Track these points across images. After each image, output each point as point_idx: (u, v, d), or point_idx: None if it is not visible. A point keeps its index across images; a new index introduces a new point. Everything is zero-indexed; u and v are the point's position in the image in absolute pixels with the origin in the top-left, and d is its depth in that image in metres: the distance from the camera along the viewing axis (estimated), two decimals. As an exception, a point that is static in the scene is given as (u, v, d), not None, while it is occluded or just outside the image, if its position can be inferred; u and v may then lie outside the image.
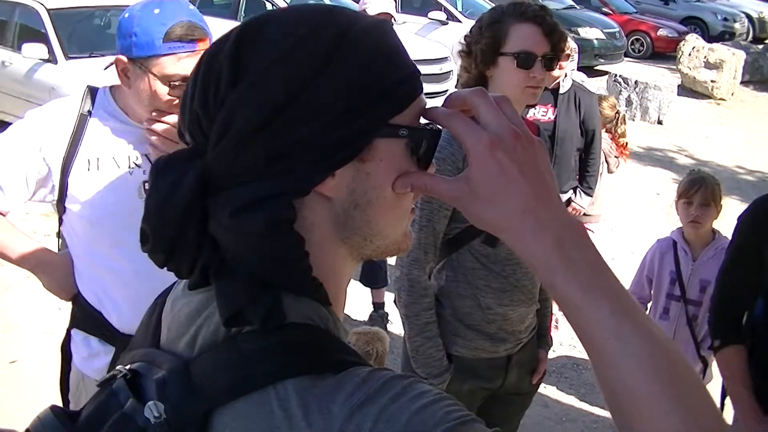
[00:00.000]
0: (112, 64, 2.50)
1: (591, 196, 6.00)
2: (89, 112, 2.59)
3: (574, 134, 5.68)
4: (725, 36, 23.77)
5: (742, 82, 18.16)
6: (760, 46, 21.61)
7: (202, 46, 2.38)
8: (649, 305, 4.53)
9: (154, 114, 2.46)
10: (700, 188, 4.23)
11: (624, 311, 0.95)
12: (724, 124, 15.31)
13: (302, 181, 0.98)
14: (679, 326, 4.29)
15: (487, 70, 2.92)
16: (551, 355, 3.47)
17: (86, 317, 2.73)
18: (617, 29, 19.94)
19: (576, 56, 6.25)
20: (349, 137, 0.98)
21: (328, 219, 1.03)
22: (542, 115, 5.56)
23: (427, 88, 10.48)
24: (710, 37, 22.05)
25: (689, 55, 17.19)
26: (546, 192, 0.99)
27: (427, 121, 1.07)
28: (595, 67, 18.18)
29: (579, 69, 14.57)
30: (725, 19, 25.20)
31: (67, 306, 2.82)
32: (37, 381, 5.12)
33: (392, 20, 6.07)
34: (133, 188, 2.56)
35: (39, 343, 5.73)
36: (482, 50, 2.89)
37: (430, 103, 1.04)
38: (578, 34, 17.94)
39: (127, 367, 1.04)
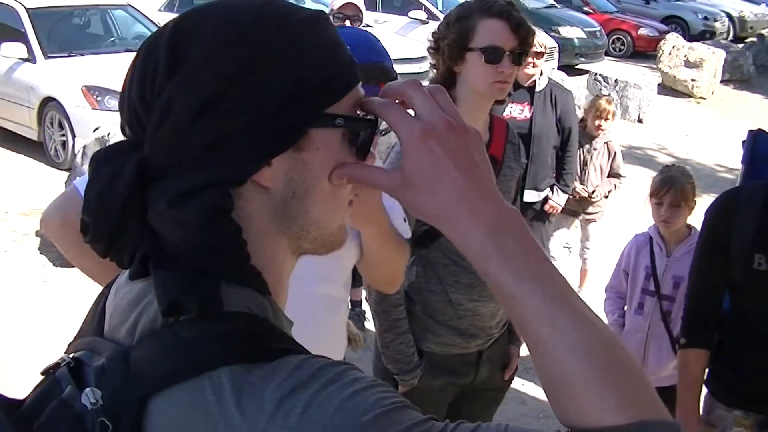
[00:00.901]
0: None
1: (568, 194, 6.03)
2: None
3: (550, 132, 5.71)
4: (706, 35, 23.86)
5: (722, 81, 18.25)
6: (740, 45, 21.73)
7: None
8: (626, 299, 4.56)
9: None
10: (669, 189, 4.25)
11: (557, 298, 0.95)
12: (703, 123, 15.38)
13: (238, 170, 0.99)
14: (653, 321, 4.31)
15: (455, 65, 2.92)
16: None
17: None
18: (598, 28, 20.00)
19: (556, 55, 6.33)
20: (283, 127, 0.99)
21: (266, 209, 1.03)
22: (518, 113, 5.59)
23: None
24: (691, 36, 22.12)
25: (669, 54, 17.27)
26: (480, 181, 0.99)
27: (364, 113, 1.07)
28: (576, 66, 18.20)
29: (559, 68, 14.61)
30: (706, 18, 25.30)
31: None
32: (15, 380, 5.10)
33: (360, 11, 6.07)
34: None
35: (17, 341, 5.71)
36: (449, 45, 2.89)
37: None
38: (559, 33, 17.98)
39: (71, 355, 1.05)
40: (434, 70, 3.03)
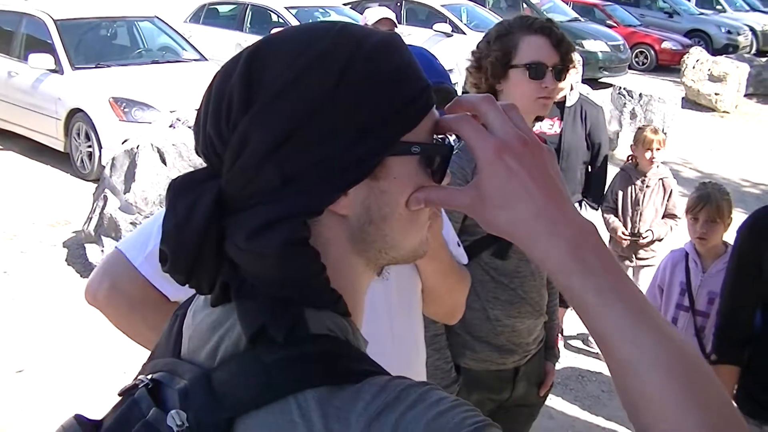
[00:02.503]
0: None
1: (596, 210, 6.01)
2: None
3: (580, 147, 5.70)
4: (729, 49, 23.80)
5: (745, 95, 18.19)
6: (764, 59, 21.63)
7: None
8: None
9: None
10: (705, 205, 4.26)
11: (639, 314, 0.94)
12: (728, 137, 15.32)
13: (315, 201, 0.99)
14: (686, 336, 4.31)
15: (497, 83, 2.94)
16: (555, 366, 3.49)
17: None
18: (621, 42, 19.99)
19: (581, 68, 6.26)
20: (360, 158, 0.99)
21: (343, 235, 1.04)
22: (548, 128, 5.58)
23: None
24: (714, 50, 22.09)
25: (693, 67, 17.22)
26: (558, 196, 0.99)
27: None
28: (600, 80, 18.22)
29: (583, 81, 14.56)
30: (729, 32, 25.25)
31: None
32: (43, 390, 5.13)
33: (394, 26, 6.08)
34: None
35: (45, 352, 5.74)
36: (492, 63, 2.90)
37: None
38: (582, 47, 17.97)
39: (149, 376, 1.05)
40: (474, 89, 3.02)
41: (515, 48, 2.89)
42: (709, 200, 4.27)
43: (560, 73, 2.93)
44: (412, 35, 15.68)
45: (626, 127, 14.01)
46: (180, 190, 1.02)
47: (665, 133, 14.37)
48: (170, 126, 7.65)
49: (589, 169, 5.85)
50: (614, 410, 5.56)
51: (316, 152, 0.97)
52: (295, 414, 0.92)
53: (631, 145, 6.18)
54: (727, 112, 17.01)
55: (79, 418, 1.07)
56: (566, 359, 6.01)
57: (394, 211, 1.05)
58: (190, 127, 7.44)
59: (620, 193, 6.00)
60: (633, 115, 14.48)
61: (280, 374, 0.95)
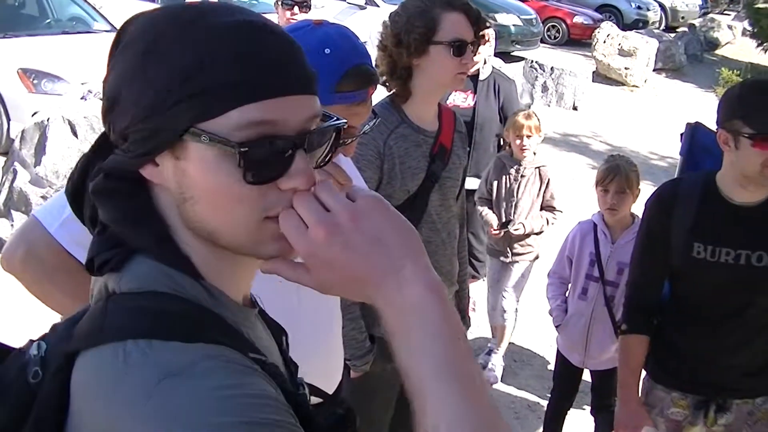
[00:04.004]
0: None
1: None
2: None
3: (493, 120, 5.75)
4: (639, 24, 24.19)
5: (654, 70, 18.53)
6: (672, 35, 22.07)
7: (372, 92, 2.11)
8: (569, 286, 4.66)
9: None
10: (615, 177, 4.35)
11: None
12: (637, 111, 15.61)
13: (130, 160, 1.10)
14: (596, 306, 4.43)
15: (416, 59, 2.97)
16: (468, 336, 3.55)
17: None
18: (534, 16, 20.15)
19: (493, 42, 6.29)
20: (156, 128, 1.06)
21: (173, 207, 1.13)
22: (462, 101, 5.63)
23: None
24: (624, 25, 22.40)
25: (604, 42, 17.48)
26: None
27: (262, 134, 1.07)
28: (512, 53, 18.35)
29: (496, 55, 14.67)
30: (639, 8, 25.64)
31: None
32: None
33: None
34: None
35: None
36: (416, 39, 2.93)
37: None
38: (495, 20, 18.05)
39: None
40: (391, 65, 3.03)
41: (437, 25, 2.93)
42: (618, 171, 4.36)
43: (476, 48, 3.00)
44: (325, 7, 15.63)
45: (538, 100, 14.24)
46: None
47: (576, 108, 14.63)
48: (81, 98, 7.52)
49: (502, 142, 5.92)
50: (525, 379, 5.69)
51: (128, 116, 1.08)
52: (119, 356, 1.00)
53: (504, 131, 5.59)
54: (637, 87, 17.31)
55: None
56: (478, 330, 6.09)
57: (201, 196, 1.08)
58: (102, 99, 7.33)
59: (495, 183, 5.51)
60: (545, 89, 14.69)
61: (113, 321, 1.05)
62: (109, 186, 1.12)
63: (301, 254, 1.08)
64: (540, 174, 5.47)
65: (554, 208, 5.51)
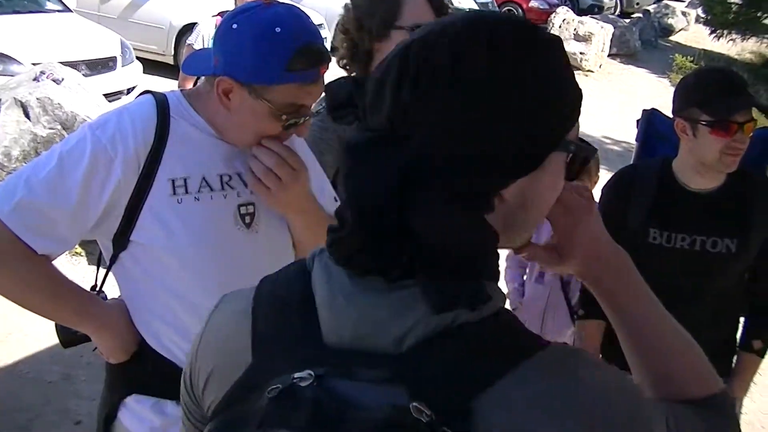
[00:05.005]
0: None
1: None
2: (167, 123, 2.10)
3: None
4: (594, 9, 24.34)
5: (609, 55, 18.70)
6: (627, 20, 22.25)
7: (324, 71, 2.06)
8: (527, 269, 4.68)
9: (264, 142, 2.12)
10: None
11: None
12: (591, 96, 15.71)
13: (500, 180, 1.02)
14: (553, 291, 4.44)
15: (378, 43, 2.94)
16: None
17: (162, 376, 2.16)
18: (490, 0, 20.20)
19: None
20: (542, 148, 1.04)
21: (500, 217, 1.05)
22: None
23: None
24: (580, 10, 22.55)
25: (559, 27, 17.58)
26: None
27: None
28: (469, 38, 18.34)
29: (453, 39, 14.66)
30: (594, -7, 25.81)
31: None
32: None
33: None
34: (230, 214, 2.15)
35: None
36: (378, 23, 2.89)
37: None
38: (452, 5, 18.09)
39: (302, 374, 0.97)
40: (352, 49, 2.99)
41: (399, 9, 2.90)
42: (577, 158, 4.39)
43: None
44: (282, -11, 15.50)
45: (495, 85, 14.22)
46: (363, 153, 1.01)
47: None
48: (34, 79, 7.41)
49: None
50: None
51: (508, 135, 0.99)
52: (535, 380, 0.96)
53: None
54: (592, 71, 17.45)
55: None
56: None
57: (541, 199, 1.10)
58: (55, 80, 7.24)
59: None
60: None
61: (499, 348, 0.99)
62: (484, 213, 1.01)
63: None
64: None
65: None
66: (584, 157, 1.12)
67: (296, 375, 0.96)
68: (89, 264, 6.26)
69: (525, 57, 1.01)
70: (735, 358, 3.23)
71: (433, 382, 0.95)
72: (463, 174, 0.98)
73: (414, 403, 0.91)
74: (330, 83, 1.15)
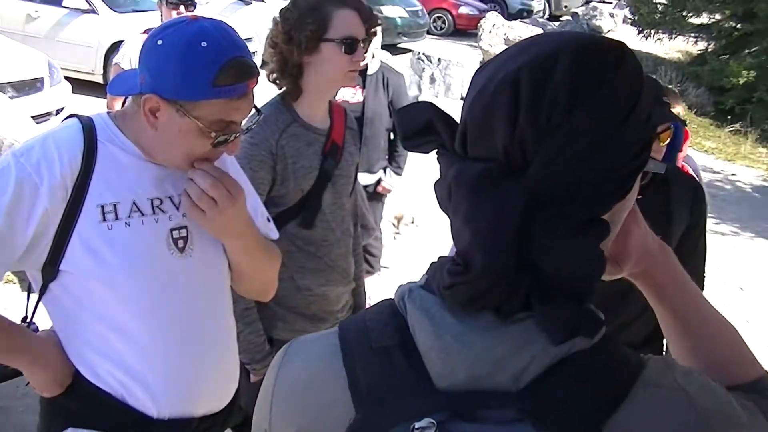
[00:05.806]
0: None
1: (400, 176, 6.08)
2: (94, 147, 2.04)
3: (383, 114, 5.73)
4: (523, 14, 24.57)
5: (539, 58, 18.83)
6: (556, 23, 22.50)
7: (253, 86, 2.03)
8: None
9: (197, 165, 2.07)
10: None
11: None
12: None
13: (612, 204, 1.02)
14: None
15: (307, 56, 2.93)
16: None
17: (98, 407, 2.12)
18: (420, 7, 20.24)
19: (380, 35, 6.30)
20: (640, 165, 1.03)
21: None
22: (351, 97, 5.60)
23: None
24: (509, 15, 22.73)
25: (490, 32, 17.68)
26: None
27: None
28: (398, 45, 18.41)
29: (382, 47, 14.74)
30: (523, -3, 26.05)
31: None
32: None
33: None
34: (162, 239, 2.11)
35: None
36: (307, 37, 2.88)
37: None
38: (381, 12, 18.03)
39: (427, 421, 0.96)
40: (281, 63, 2.98)
41: (329, 22, 2.90)
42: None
43: (367, 45, 2.99)
44: (210, 3, 15.43)
45: (426, 91, 14.35)
46: (478, 188, 0.97)
47: (464, 98, 14.77)
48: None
49: (392, 137, 5.93)
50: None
51: (623, 158, 1.00)
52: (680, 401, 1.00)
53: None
54: (523, 75, 17.57)
55: None
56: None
57: (620, 218, 1.11)
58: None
59: None
60: (432, 80, 14.82)
61: (618, 374, 1.00)
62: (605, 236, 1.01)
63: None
64: None
65: None
66: (650, 173, 1.14)
67: (417, 425, 0.95)
68: (22, 291, 6.13)
69: (633, 81, 1.01)
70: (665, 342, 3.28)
71: (558, 416, 0.95)
72: (582, 201, 0.97)
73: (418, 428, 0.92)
74: (405, 108, 1.09)
